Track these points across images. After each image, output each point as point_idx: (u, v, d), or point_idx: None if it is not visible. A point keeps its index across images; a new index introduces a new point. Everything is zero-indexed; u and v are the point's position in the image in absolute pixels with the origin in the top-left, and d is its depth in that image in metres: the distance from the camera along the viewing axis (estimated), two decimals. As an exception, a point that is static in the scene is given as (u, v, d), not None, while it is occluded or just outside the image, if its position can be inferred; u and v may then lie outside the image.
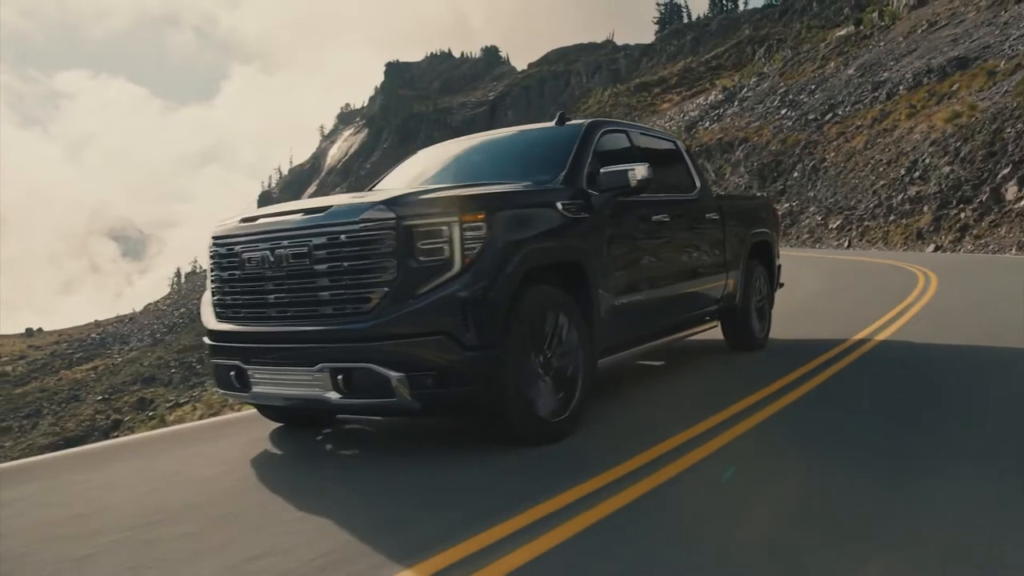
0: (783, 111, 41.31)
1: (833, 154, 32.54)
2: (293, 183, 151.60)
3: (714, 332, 6.38)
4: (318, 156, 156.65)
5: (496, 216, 3.72)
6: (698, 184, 6.10)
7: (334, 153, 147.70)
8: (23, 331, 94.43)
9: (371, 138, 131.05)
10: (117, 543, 2.84)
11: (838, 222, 28.20)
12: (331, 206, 3.75)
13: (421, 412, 3.66)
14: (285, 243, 3.79)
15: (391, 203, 3.59)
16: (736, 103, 47.52)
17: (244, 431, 4.74)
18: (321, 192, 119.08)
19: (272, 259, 3.83)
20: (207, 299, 4.38)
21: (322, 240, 3.66)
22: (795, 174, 34.05)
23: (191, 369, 50.49)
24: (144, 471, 4.02)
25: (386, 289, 3.52)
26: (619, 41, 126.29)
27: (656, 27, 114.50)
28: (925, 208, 24.24)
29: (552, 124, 5.26)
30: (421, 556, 2.50)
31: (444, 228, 3.55)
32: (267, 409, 4.67)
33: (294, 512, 3.09)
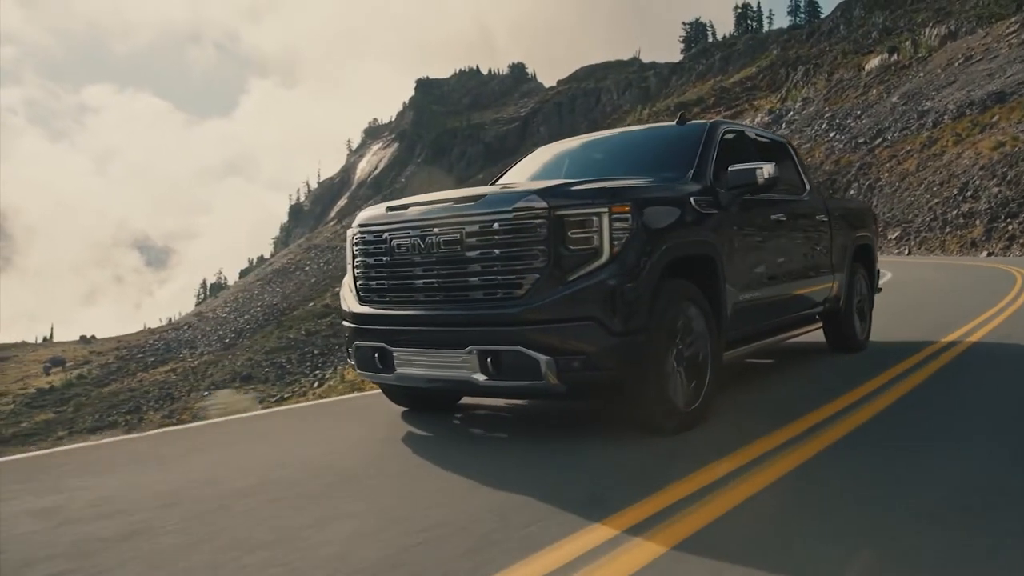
0: (831, 134, 45.96)
1: (887, 174, 37.21)
2: (323, 196, 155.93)
3: (815, 334, 6.48)
4: (347, 170, 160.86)
5: (642, 209, 3.80)
6: (808, 186, 6.22)
7: (363, 167, 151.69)
8: (77, 339, 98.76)
9: (403, 152, 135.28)
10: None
11: (896, 233, 32.78)
12: (485, 195, 3.86)
13: (566, 396, 3.76)
14: (436, 230, 3.90)
15: (544, 193, 3.69)
16: (784, 125, 52.11)
17: (369, 411, 5.06)
18: (352, 205, 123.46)
19: (423, 245, 3.95)
20: (348, 284, 4.54)
21: (475, 227, 3.77)
22: (851, 191, 38.66)
23: (283, 368, 54.75)
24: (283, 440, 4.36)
25: (537, 275, 3.62)
26: (645, 59, 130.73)
27: (682, 46, 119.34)
28: (977, 222, 28.90)
29: (674, 124, 5.39)
30: (567, 529, 2.55)
31: (594, 218, 3.65)
32: (395, 393, 4.83)
33: (435, 481, 3.26)
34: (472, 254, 3.80)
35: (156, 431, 5.16)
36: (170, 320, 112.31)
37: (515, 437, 4.19)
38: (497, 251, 3.72)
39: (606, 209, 3.66)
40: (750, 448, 3.51)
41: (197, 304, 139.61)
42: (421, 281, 4.00)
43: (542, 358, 3.56)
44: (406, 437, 4.19)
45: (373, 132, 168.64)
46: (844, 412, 4.21)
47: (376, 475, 3.47)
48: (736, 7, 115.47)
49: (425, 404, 4.84)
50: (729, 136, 5.19)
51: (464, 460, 3.62)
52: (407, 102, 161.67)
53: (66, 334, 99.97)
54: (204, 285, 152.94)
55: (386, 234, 4.16)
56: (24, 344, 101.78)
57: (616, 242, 3.67)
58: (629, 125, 56.78)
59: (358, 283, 4.38)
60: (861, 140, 42.60)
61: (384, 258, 4.18)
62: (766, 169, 4.59)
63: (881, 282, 8.03)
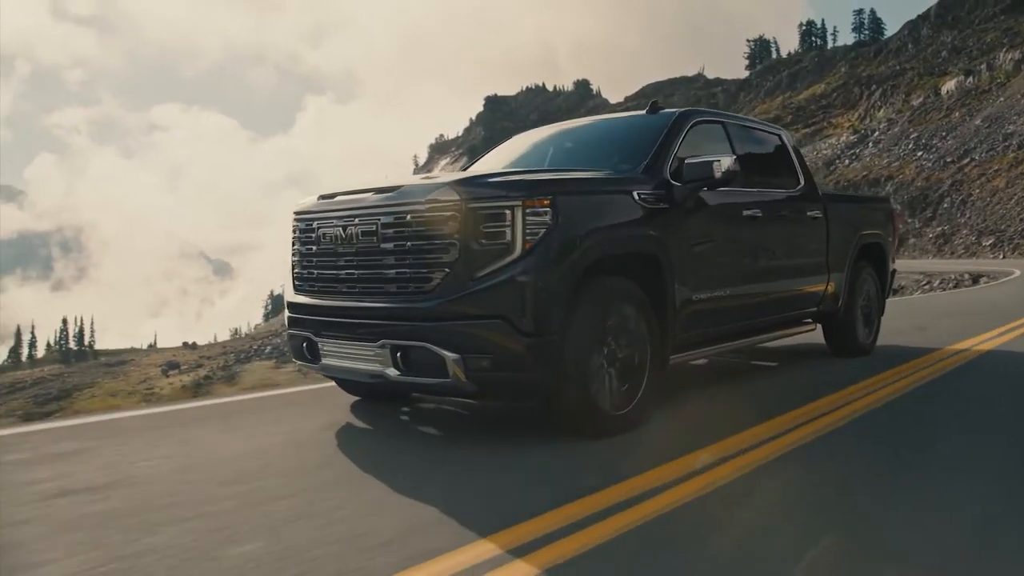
0: (919, 153, 51.10)
1: (978, 190, 42.55)
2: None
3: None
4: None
5: (562, 202, 3.65)
6: (802, 180, 5.96)
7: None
8: (180, 345, 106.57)
9: None
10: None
11: (991, 241, 38.10)
12: (401, 186, 3.80)
13: (476, 395, 3.70)
14: (356, 220, 3.88)
15: (456, 185, 3.61)
16: (871, 144, 57.36)
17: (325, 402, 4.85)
18: None
19: (344, 236, 3.93)
20: (289, 272, 4.55)
21: (390, 219, 3.73)
22: (944, 205, 44.03)
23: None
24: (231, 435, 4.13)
25: (447, 270, 3.54)
26: (709, 75, 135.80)
27: (746, 62, 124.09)
28: (1065, 231, 34.30)
29: (644, 113, 5.17)
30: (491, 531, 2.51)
31: (507, 211, 3.53)
32: (345, 383, 4.79)
33: (373, 487, 3.11)
34: (387, 246, 3.76)
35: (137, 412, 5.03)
36: (236, 330, 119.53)
37: (457, 435, 4.09)
38: (409, 243, 3.67)
39: (519, 203, 3.53)
40: (667, 467, 3.26)
41: (265, 313, 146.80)
42: (343, 272, 4.01)
43: (449, 355, 3.48)
44: (343, 432, 4.12)
45: (440, 147, 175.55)
46: (788, 431, 3.87)
47: (272, 476, 3.25)
48: (800, 24, 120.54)
49: (375, 396, 4.82)
50: (702, 126, 5.03)
51: (394, 461, 3.55)
52: (474, 118, 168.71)
53: (131, 342, 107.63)
54: (271, 295, 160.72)
55: (315, 223, 4.16)
56: (133, 350, 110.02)
57: (530, 237, 3.54)
58: None
59: (294, 271, 4.40)
60: (949, 159, 47.81)
61: (313, 247, 4.19)
62: (724, 162, 4.36)
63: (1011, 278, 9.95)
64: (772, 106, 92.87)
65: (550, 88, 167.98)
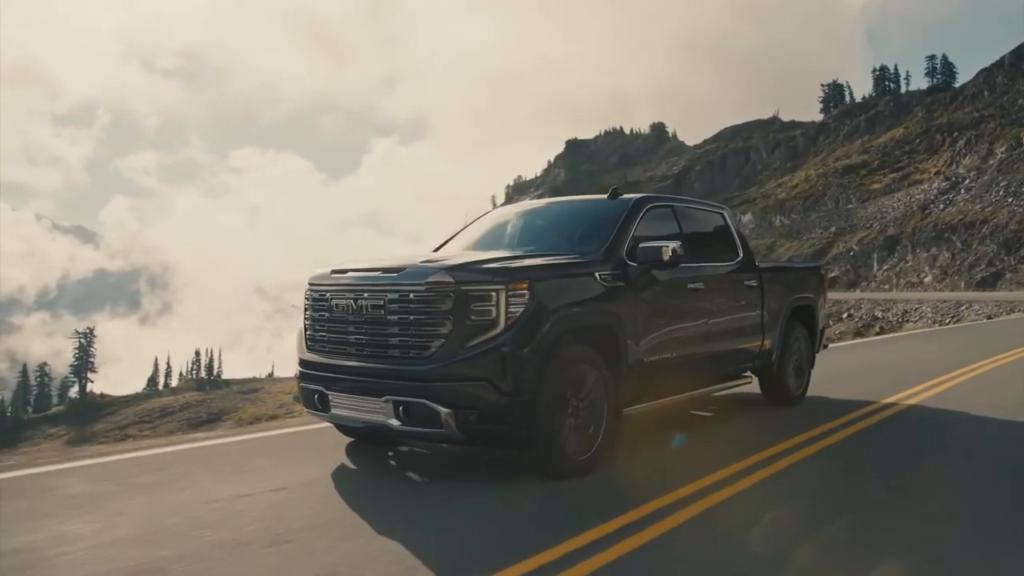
0: (1010, 200, 57.54)
1: (1070, 232, 49.47)
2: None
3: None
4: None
5: (537, 285, 4.44)
6: (740, 253, 6.73)
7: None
8: (266, 375, 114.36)
9: None
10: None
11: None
12: (405, 268, 4.58)
13: (465, 443, 4.41)
14: (366, 295, 4.64)
15: (452, 270, 4.42)
16: (962, 191, 64.04)
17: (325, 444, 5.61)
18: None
19: (355, 307, 4.68)
20: (300, 332, 5.24)
21: (395, 296, 4.49)
22: (1038, 247, 50.90)
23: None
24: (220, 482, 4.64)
25: (443, 340, 4.30)
26: (784, 118, 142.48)
27: (820, 105, 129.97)
28: None
29: (605, 197, 5.98)
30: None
31: (493, 293, 4.31)
32: (344, 427, 5.44)
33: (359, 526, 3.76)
34: (392, 318, 4.48)
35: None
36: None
37: (437, 479, 4.79)
38: (411, 317, 4.41)
39: (503, 286, 4.31)
40: (620, 518, 3.75)
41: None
42: (353, 337, 4.71)
43: (443, 410, 4.21)
44: (336, 475, 4.77)
45: (519, 188, 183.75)
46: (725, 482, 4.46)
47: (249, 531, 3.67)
48: (874, 70, 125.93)
49: (369, 438, 5.54)
50: (655, 211, 5.81)
51: (373, 504, 4.13)
52: (552, 160, 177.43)
53: (245, 372, 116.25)
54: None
55: (328, 294, 4.89)
56: (255, 379, 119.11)
57: (511, 314, 4.29)
58: (797, 187, 70.47)
59: (307, 332, 5.10)
60: (1038, 204, 54.58)
61: (326, 314, 4.90)
62: (671, 248, 5.15)
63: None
64: (852, 149, 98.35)
65: (627, 131, 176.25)
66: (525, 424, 4.35)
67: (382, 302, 4.55)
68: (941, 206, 63.86)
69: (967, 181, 65.02)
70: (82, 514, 4.10)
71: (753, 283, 6.71)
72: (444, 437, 4.40)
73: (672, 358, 5.55)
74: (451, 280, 4.36)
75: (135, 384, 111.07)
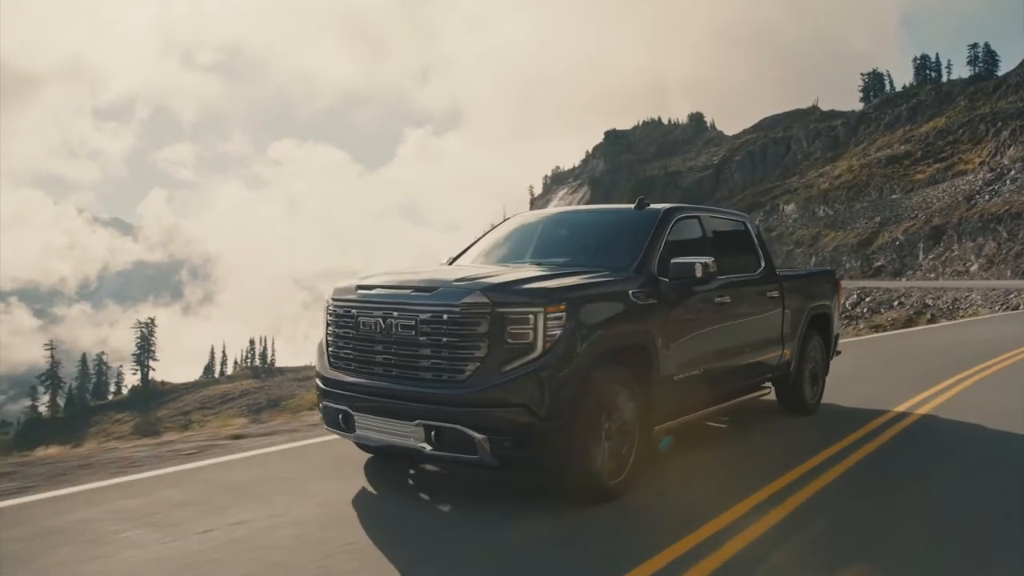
0: (1055, 189, 59.64)
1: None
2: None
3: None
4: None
5: (575, 307, 4.34)
6: (763, 264, 6.72)
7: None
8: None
9: (598, 198, 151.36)
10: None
11: None
12: (438, 287, 4.42)
13: (499, 468, 4.28)
14: (396, 314, 4.47)
15: (488, 290, 4.29)
16: (1008, 182, 65.60)
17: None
18: None
19: (383, 325, 4.51)
20: (321, 346, 5.09)
21: (428, 316, 4.34)
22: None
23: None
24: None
25: (478, 364, 4.19)
26: (823, 107, 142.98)
27: (860, 95, 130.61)
28: None
29: (632, 207, 5.84)
30: None
31: (530, 316, 4.20)
32: (364, 444, 5.23)
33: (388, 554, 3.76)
34: (424, 339, 4.34)
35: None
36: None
37: (451, 504, 4.68)
38: (445, 339, 4.27)
39: (541, 309, 4.19)
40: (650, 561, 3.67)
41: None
42: (381, 356, 4.55)
43: (477, 436, 4.11)
44: (357, 496, 4.72)
45: (558, 178, 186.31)
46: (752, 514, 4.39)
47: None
48: (915, 58, 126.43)
49: (387, 454, 5.33)
50: (683, 222, 5.74)
51: (382, 531, 4.11)
52: (590, 151, 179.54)
53: (293, 361, 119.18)
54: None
55: (354, 310, 4.73)
56: (307, 367, 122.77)
57: (549, 338, 4.19)
58: (822, 173, 72.69)
59: (329, 349, 4.97)
60: (1085, 194, 56.20)
61: (351, 331, 4.75)
62: (706, 263, 5.12)
63: None
64: (893, 139, 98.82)
65: (665, 121, 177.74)
66: (562, 450, 4.30)
67: (413, 322, 4.42)
68: (987, 196, 65.43)
69: (1012, 172, 66.42)
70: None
71: (775, 294, 6.75)
72: (478, 463, 4.29)
73: (700, 373, 5.54)
74: (487, 301, 4.25)
75: (182, 371, 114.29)
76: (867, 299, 50.62)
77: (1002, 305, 37.41)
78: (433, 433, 4.29)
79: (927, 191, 74.84)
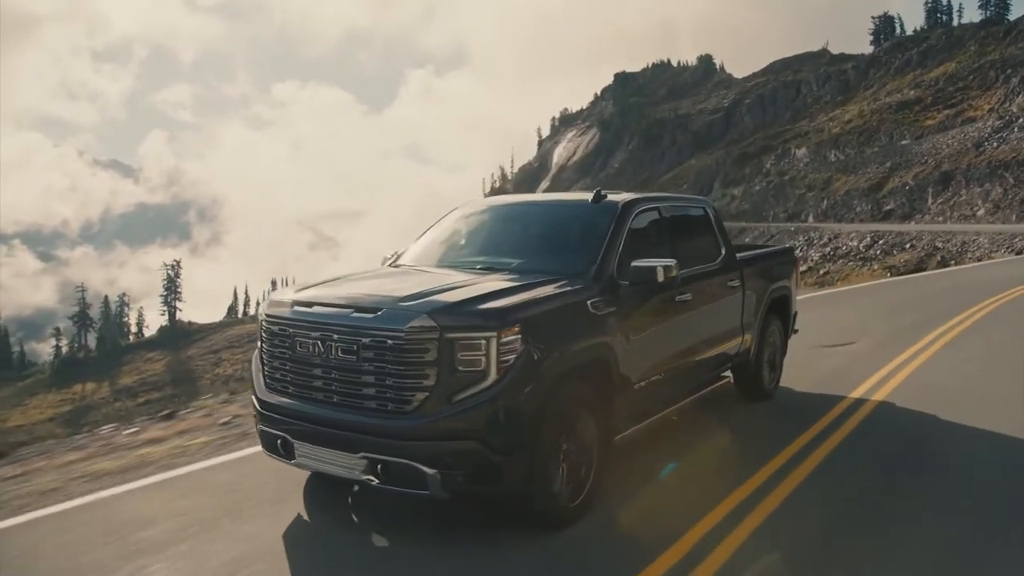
0: (1062, 137, 62.16)
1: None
2: (524, 180, 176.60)
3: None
4: (544, 155, 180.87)
5: (530, 328, 4.07)
6: (723, 250, 6.50)
7: (560, 152, 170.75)
8: None
9: (608, 140, 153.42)
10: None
11: None
12: (381, 307, 4.11)
13: (453, 499, 4.09)
14: (335, 336, 4.17)
15: (435, 312, 3.98)
16: (1016, 129, 68.04)
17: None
18: (557, 187, 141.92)
19: (322, 349, 4.21)
20: (256, 363, 4.77)
21: (369, 341, 4.04)
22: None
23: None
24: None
25: (427, 393, 3.91)
26: (833, 51, 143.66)
27: (871, 38, 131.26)
28: None
29: (589, 200, 5.56)
30: None
31: (481, 342, 3.92)
32: None
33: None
34: (367, 366, 4.03)
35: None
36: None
37: (390, 531, 4.43)
38: (390, 367, 3.97)
39: (494, 334, 3.91)
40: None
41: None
42: (320, 381, 4.25)
43: (428, 471, 3.85)
44: (293, 523, 4.52)
45: (566, 120, 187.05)
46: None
47: None
48: (926, 1, 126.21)
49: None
50: (642, 215, 5.49)
51: (313, 558, 4.04)
52: (599, 92, 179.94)
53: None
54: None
55: (291, 330, 4.39)
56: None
57: (503, 364, 3.92)
58: (832, 117, 75.12)
59: (265, 368, 4.64)
60: (1092, 142, 58.83)
61: (287, 352, 4.42)
62: (667, 268, 4.82)
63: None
64: (903, 84, 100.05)
65: (674, 64, 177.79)
66: (519, 481, 4.08)
67: (354, 347, 4.13)
68: (995, 144, 67.90)
69: (1021, 120, 68.84)
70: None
71: (735, 283, 6.59)
72: (428, 497, 4.05)
73: (661, 377, 5.37)
74: (434, 325, 3.96)
75: (196, 312, 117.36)
76: (880, 241, 53.81)
77: (1007, 248, 40.48)
78: (379, 467, 4.03)
79: (936, 137, 77.11)
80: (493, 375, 3.96)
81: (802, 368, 8.59)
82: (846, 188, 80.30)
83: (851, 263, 50.89)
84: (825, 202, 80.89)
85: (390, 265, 5.99)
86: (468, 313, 4.09)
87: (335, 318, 4.29)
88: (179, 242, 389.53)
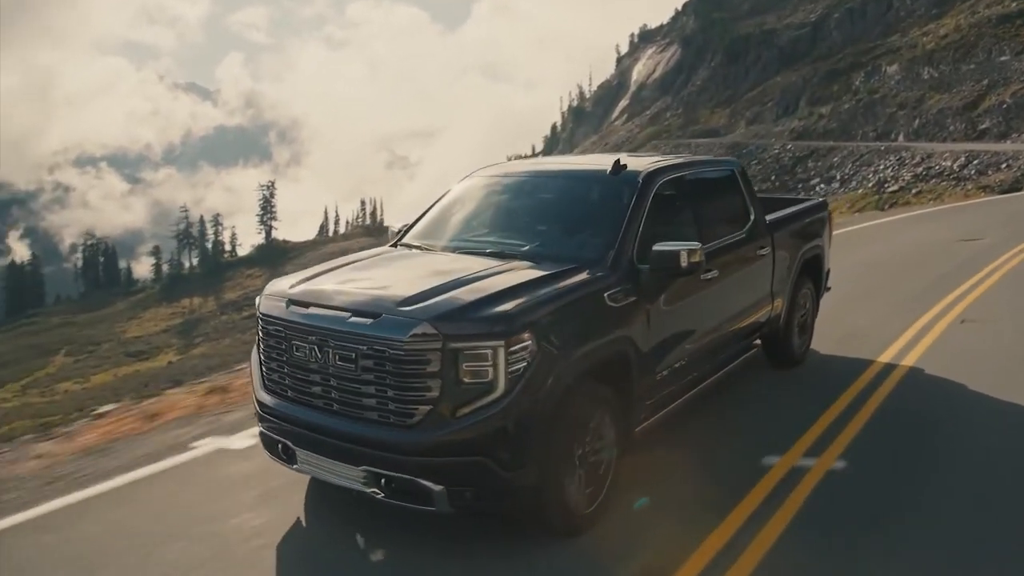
0: None
1: None
2: (603, 98, 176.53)
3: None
4: (623, 72, 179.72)
5: (541, 332, 3.78)
6: (752, 216, 6.08)
7: (640, 70, 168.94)
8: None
9: (690, 57, 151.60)
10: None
11: None
12: (381, 312, 3.83)
13: (460, 514, 3.89)
14: (333, 342, 3.89)
15: (438, 320, 3.70)
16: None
17: None
18: (636, 107, 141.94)
19: (319, 355, 3.95)
20: (256, 359, 4.51)
21: (368, 350, 3.77)
22: None
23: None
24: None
25: (430, 406, 3.65)
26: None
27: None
28: None
29: (608, 171, 5.11)
30: None
31: (488, 352, 3.64)
32: None
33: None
34: (367, 376, 3.78)
35: None
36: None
37: (390, 538, 4.19)
38: (390, 377, 3.72)
39: (501, 343, 3.61)
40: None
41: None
42: (318, 388, 4.01)
43: (434, 488, 3.63)
44: (291, 527, 4.33)
45: (645, 36, 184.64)
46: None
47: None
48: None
49: None
50: (665, 185, 5.06)
51: (306, 565, 3.91)
52: (680, 8, 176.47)
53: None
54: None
55: (287, 333, 4.13)
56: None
57: (512, 374, 3.64)
58: (926, 31, 74.04)
59: (263, 368, 4.40)
60: None
61: (284, 355, 4.17)
62: (691, 252, 4.41)
63: None
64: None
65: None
66: (530, 496, 3.83)
67: (353, 355, 3.84)
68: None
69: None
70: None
71: (765, 251, 6.19)
72: (435, 513, 3.81)
73: (685, 362, 5.07)
74: (436, 333, 3.66)
75: (284, 230, 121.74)
76: (975, 161, 55.13)
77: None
78: (383, 480, 3.82)
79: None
80: (501, 387, 3.69)
81: (956, 253, 13.54)
82: (939, 106, 79.73)
83: (944, 183, 52.39)
84: (917, 121, 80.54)
85: (397, 243, 5.65)
86: (473, 320, 3.80)
87: (332, 323, 4.00)
88: (260, 163, 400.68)
